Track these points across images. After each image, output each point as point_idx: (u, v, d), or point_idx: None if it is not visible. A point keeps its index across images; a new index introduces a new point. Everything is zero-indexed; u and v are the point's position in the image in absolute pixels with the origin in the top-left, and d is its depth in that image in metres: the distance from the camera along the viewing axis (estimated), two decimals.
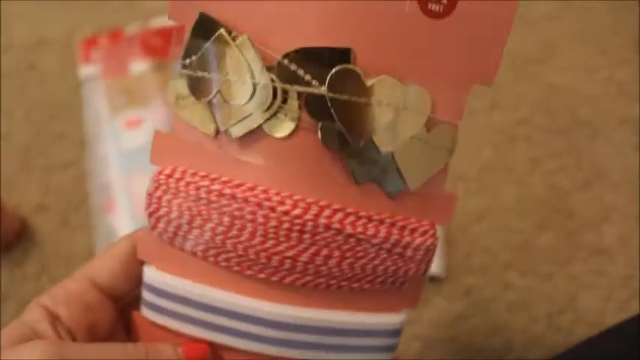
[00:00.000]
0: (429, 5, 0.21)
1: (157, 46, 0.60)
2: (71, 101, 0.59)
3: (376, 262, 0.22)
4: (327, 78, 0.21)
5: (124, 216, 0.54)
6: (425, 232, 0.23)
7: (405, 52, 0.21)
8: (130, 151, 0.56)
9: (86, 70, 0.60)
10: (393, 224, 0.22)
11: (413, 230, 0.23)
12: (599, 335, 0.35)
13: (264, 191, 0.22)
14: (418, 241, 0.23)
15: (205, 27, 0.22)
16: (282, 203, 0.21)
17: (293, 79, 0.21)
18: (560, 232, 0.53)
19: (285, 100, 0.21)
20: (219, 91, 0.22)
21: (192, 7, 0.22)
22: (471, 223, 0.54)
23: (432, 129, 0.22)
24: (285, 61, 0.21)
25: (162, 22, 0.61)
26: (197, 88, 0.22)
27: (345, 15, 0.21)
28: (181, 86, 0.23)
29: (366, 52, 0.21)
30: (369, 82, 0.21)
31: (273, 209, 0.21)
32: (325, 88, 0.21)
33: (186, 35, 0.23)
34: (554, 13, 0.63)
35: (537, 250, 0.53)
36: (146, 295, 0.24)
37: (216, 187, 0.22)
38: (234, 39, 0.21)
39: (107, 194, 0.55)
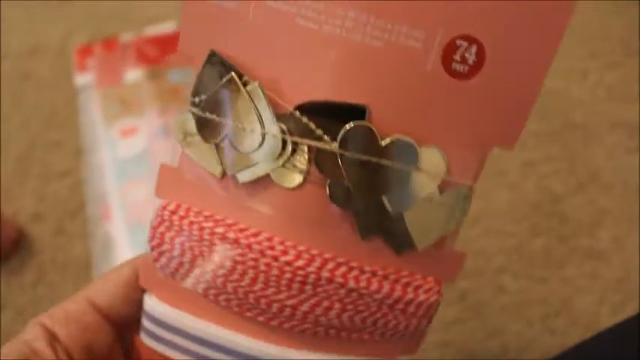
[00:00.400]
0: (454, 65, 0.20)
1: (151, 54, 0.60)
2: (66, 110, 0.60)
3: (377, 315, 0.22)
4: (340, 134, 0.20)
5: (119, 223, 0.54)
6: (429, 290, 0.22)
7: (423, 112, 0.20)
8: (125, 160, 0.56)
9: (81, 79, 0.60)
10: (396, 280, 0.22)
11: (417, 287, 0.22)
12: (594, 337, 0.35)
13: (269, 239, 0.21)
14: (421, 297, 0.22)
15: (216, 66, 0.21)
16: (285, 253, 0.21)
17: (304, 131, 0.20)
18: (554, 236, 0.54)
19: (294, 151, 0.21)
20: (227, 136, 0.21)
21: (204, 41, 0.21)
22: (465, 226, 0.54)
23: (445, 190, 0.21)
24: (297, 113, 0.20)
25: (157, 30, 0.62)
26: (205, 129, 0.22)
27: (364, 69, 0.20)
28: (189, 123, 0.22)
29: (383, 109, 0.20)
30: (383, 141, 0.20)
31: (275, 258, 0.21)
32: (337, 145, 0.20)
33: (196, 72, 0.22)
34: None
35: (531, 254, 0.53)
36: (145, 322, 0.24)
37: (220, 229, 0.22)
38: (245, 83, 0.21)
39: (103, 202, 0.55)
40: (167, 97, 0.58)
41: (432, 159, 0.21)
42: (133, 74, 0.59)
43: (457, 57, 0.20)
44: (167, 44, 0.60)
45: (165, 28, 0.62)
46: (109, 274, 0.26)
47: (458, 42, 0.19)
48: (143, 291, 0.25)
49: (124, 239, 0.54)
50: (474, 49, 0.19)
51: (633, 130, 0.57)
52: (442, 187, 0.21)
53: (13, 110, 0.60)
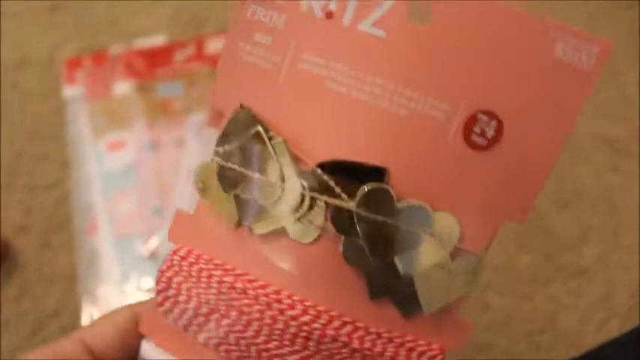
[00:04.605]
0: (473, 138, 0.20)
1: (140, 67, 0.60)
2: (54, 122, 0.59)
3: None
4: (358, 194, 0.20)
5: (106, 237, 0.54)
6: (433, 357, 0.22)
7: (441, 179, 0.21)
8: (112, 173, 0.56)
9: (70, 91, 0.60)
10: (401, 344, 0.22)
11: (421, 353, 0.22)
12: (609, 343, 0.35)
13: (277, 292, 0.21)
14: None
15: (243, 120, 0.22)
16: (292, 307, 0.21)
17: (323, 188, 0.21)
18: (540, 253, 0.54)
19: (311, 207, 0.21)
20: (247, 187, 0.22)
21: (235, 97, 0.22)
22: None
23: (457, 258, 0.21)
24: (318, 170, 0.21)
25: (146, 43, 0.62)
26: (226, 178, 0.22)
27: (388, 134, 0.20)
28: (209, 172, 0.23)
29: (402, 173, 0.21)
30: (399, 204, 0.21)
31: (282, 312, 0.21)
32: (354, 204, 0.20)
33: (224, 123, 0.22)
34: None
35: (517, 271, 0.53)
36: None
37: (228, 279, 0.22)
38: (270, 138, 0.21)
39: (90, 215, 0.55)
40: (156, 110, 0.58)
41: (445, 224, 0.21)
42: (122, 87, 0.59)
43: (477, 130, 0.20)
44: (156, 57, 0.60)
45: (155, 41, 0.62)
46: (107, 317, 0.25)
47: (479, 116, 0.20)
48: (140, 338, 0.24)
49: (110, 253, 0.53)
50: (493, 123, 0.20)
51: (618, 148, 0.58)
52: (454, 255, 0.21)
53: None
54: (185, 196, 0.54)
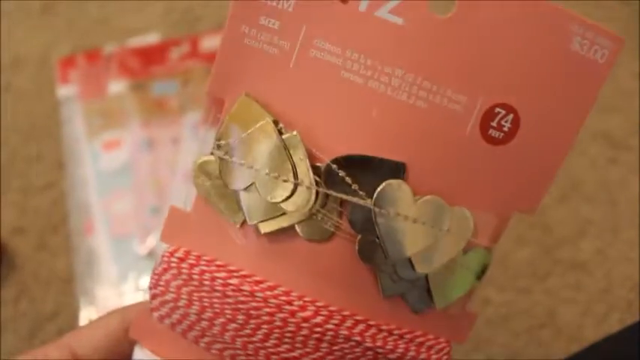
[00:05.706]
0: (490, 131, 0.20)
1: (135, 65, 0.59)
2: (48, 122, 0.59)
3: None
4: (376, 191, 0.20)
5: (103, 237, 0.54)
6: (440, 350, 0.22)
7: (457, 174, 0.21)
8: (108, 172, 0.56)
9: (64, 91, 0.60)
10: (411, 340, 0.21)
11: (430, 347, 0.22)
12: (609, 338, 0.35)
13: (286, 293, 0.20)
14: (433, 358, 0.22)
15: (249, 111, 0.21)
16: (303, 309, 0.20)
17: (338, 185, 0.20)
18: (538, 247, 0.54)
19: (324, 204, 0.20)
20: (254, 184, 0.20)
21: (237, 84, 0.21)
22: None
23: (469, 251, 0.21)
24: (334, 166, 0.20)
25: (140, 41, 0.61)
26: (229, 174, 0.21)
27: (405, 128, 0.20)
28: (211, 165, 0.21)
29: (419, 168, 0.20)
30: (416, 200, 0.20)
31: (293, 314, 0.20)
32: (372, 201, 0.20)
33: (225, 114, 0.21)
34: None
35: (516, 265, 0.53)
36: None
37: (234, 281, 0.21)
38: (280, 131, 0.20)
39: (86, 215, 0.54)
40: (151, 109, 0.58)
41: (460, 219, 0.21)
42: (117, 86, 0.59)
43: (494, 123, 0.20)
44: (151, 56, 0.60)
45: (149, 39, 0.61)
46: (96, 323, 0.25)
47: (496, 109, 0.20)
48: (130, 344, 0.24)
49: (107, 253, 0.53)
50: (510, 117, 0.20)
51: (615, 141, 0.58)
52: (465, 249, 0.21)
53: None
54: (181, 196, 0.53)
